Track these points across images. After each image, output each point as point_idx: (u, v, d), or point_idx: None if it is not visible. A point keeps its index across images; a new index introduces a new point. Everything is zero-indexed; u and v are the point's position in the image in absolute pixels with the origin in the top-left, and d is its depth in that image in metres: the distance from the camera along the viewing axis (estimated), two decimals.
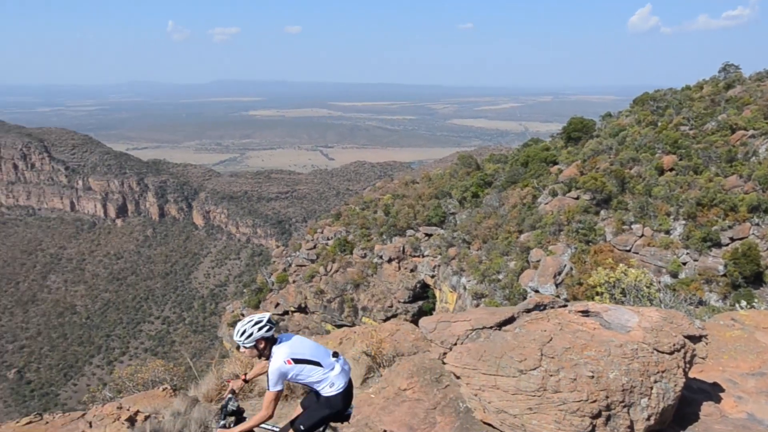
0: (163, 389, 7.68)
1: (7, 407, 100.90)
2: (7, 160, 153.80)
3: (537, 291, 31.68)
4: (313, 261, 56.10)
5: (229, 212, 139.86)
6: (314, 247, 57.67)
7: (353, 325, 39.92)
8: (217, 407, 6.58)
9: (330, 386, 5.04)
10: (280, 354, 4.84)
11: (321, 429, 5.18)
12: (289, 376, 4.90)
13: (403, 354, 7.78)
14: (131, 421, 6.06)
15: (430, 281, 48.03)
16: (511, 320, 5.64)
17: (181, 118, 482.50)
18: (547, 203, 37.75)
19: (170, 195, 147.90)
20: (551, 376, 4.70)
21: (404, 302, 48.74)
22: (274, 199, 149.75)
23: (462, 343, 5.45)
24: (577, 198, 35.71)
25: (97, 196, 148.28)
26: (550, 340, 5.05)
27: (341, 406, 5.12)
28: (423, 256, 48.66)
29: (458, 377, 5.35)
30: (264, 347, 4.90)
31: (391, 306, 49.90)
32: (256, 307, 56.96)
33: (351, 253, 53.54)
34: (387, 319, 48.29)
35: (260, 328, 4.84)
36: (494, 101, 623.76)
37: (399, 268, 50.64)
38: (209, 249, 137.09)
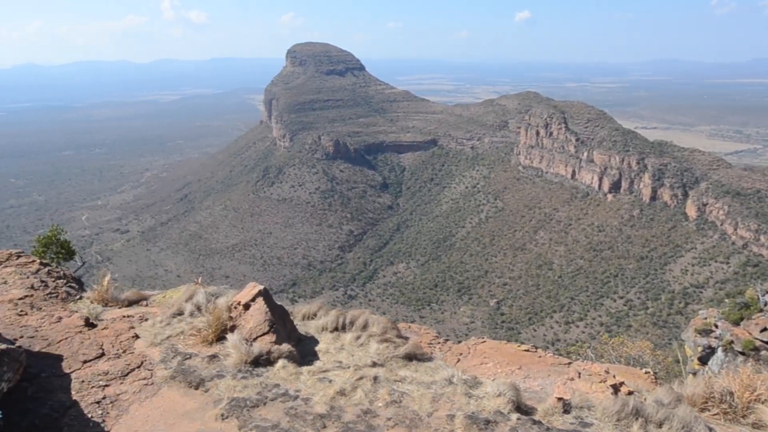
0: (646, 372, 7.58)
1: (482, 327, 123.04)
2: (533, 126, 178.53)
3: None
4: None
5: (729, 209, 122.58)
6: None
7: None
8: (701, 415, 5.97)
9: None
10: None
11: None
12: None
13: None
14: (615, 389, 6.28)
15: None
16: None
17: (700, 100, 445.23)
18: None
19: (667, 179, 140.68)
20: None
21: None
22: None
23: None
24: None
25: (596, 168, 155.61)
26: None
27: None
28: None
29: None
30: None
31: None
32: (736, 324, 49.14)
33: None
34: None
35: None
36: None
37: None
38: (694, 244, 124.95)
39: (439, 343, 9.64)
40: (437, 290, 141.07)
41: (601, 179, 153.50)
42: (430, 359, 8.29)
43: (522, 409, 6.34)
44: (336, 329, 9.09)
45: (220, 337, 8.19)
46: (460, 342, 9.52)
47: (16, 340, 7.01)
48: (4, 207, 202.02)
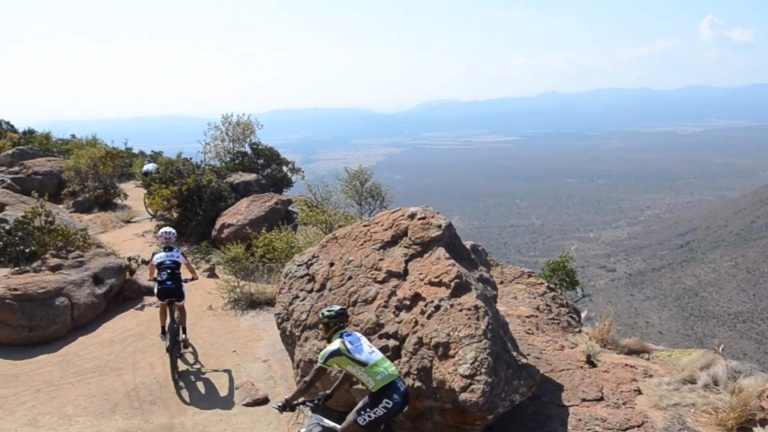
0: None
1: None
2: None
3: None
4: None
5: None
6: None
7: None
8: None
9: None
10: None
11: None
12: None
13: None
14: None
15: None
16: None
17: None
18: None
19: None
20: None
21: None
22: None
23: None
24: None
25: None
26: None
27: None
28: None
29: None
30: None
31: None
32: None
33: None
34: None
35: None
36: None
37: None
38: None
39: None
40: None
41: None
42: None
43: None
44: None
45: (742, 427, 7.27)
46: None
47: (523, 356, 7.66)
48: (505, 225, 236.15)
